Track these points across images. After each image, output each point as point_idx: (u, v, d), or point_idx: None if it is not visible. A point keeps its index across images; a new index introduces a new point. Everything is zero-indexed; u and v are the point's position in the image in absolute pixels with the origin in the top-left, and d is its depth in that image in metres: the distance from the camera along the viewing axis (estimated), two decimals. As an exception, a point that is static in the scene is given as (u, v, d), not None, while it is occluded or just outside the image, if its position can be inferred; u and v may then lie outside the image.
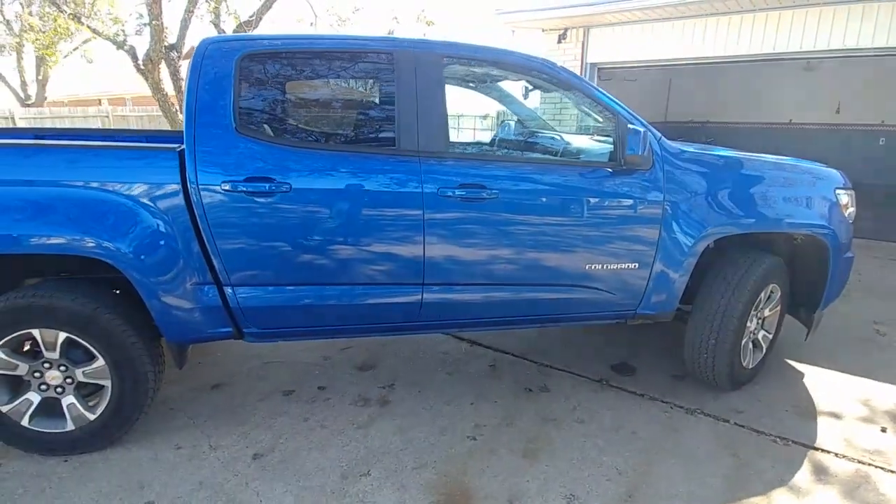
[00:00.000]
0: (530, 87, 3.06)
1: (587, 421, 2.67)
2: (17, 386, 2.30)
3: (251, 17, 8.90)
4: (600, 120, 2.72)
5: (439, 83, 2.40)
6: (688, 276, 2.68)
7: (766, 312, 2.97)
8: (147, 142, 3.02)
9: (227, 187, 2.20)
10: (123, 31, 8.48)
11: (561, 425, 2.63)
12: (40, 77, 17.25)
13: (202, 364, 3.20)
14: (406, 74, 2.36)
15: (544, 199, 2.48)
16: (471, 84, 3.05)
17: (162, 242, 2.20)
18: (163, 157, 2.19)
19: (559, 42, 7.33)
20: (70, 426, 2.33)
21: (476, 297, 2.55)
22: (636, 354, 3.40)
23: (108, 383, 2.31)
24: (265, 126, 2.31)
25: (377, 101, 2.46)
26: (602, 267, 2.61)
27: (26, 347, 2.31)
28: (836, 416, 2.74)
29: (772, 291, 2.92)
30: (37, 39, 10.75)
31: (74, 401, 2.32)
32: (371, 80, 2.47)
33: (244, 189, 2.21)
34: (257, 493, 2.15)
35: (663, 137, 2.68)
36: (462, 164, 2.42)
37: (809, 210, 2.84)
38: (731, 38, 6.71)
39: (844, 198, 2.94)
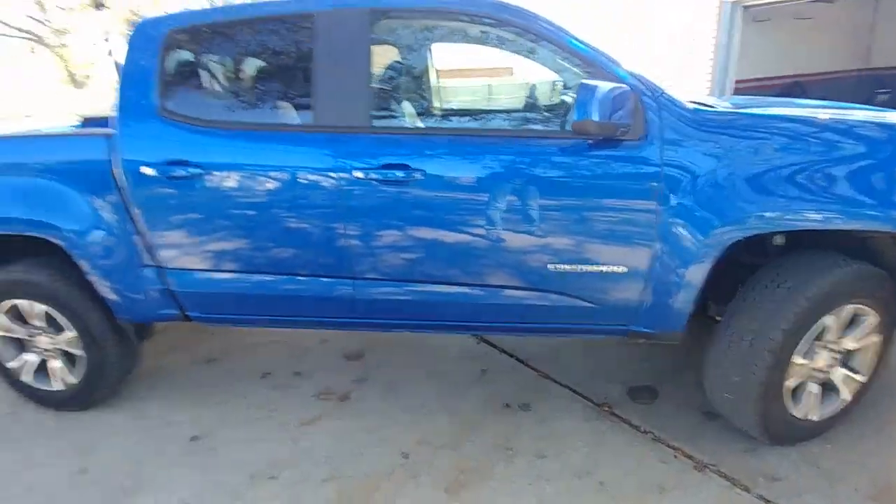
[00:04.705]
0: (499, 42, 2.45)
1: (550, 457, 2.16)
2: (20, 347, 2.63)
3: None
4: (582, 75, 2.08)
5: (363, 46, 2.04)
6: (698, 286, 1.96)
7: (851, 344, 2.06)
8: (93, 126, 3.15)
9: (149, 171, 2.16)
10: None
11: (514, 457, 2.17)
12: None
13: (214, 335, 3.35)
14: (324, 39, 2.05)
15: (487, 182, 1.99)
16: (426, 41, 2.58)
17: (100, 226, 2.27)
18: (93, 142, 2.23)
19: (692, -21, 6.03)
20: (58, 386, 2.60)
21: (414, 296, 2.19)
22: (673, 376, 2.67)
23: (81, 352, 2.51)
24: (184, 106, 2.20)
25: (296, 72, 2.19)
26: (571, 268, 2.04)
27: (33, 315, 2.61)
28: (935, 512, 1.81)
29: (856, 314, 2.01)
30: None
31: (61, 364, 2.57)
32: (291, 49, 2.19)
33: (164, 173, 2.16)
34: (168, 479, 2.15)
35: (667, 94, 1.95)
36: (385, 141, 2.06)
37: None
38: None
39: None
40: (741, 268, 2.09)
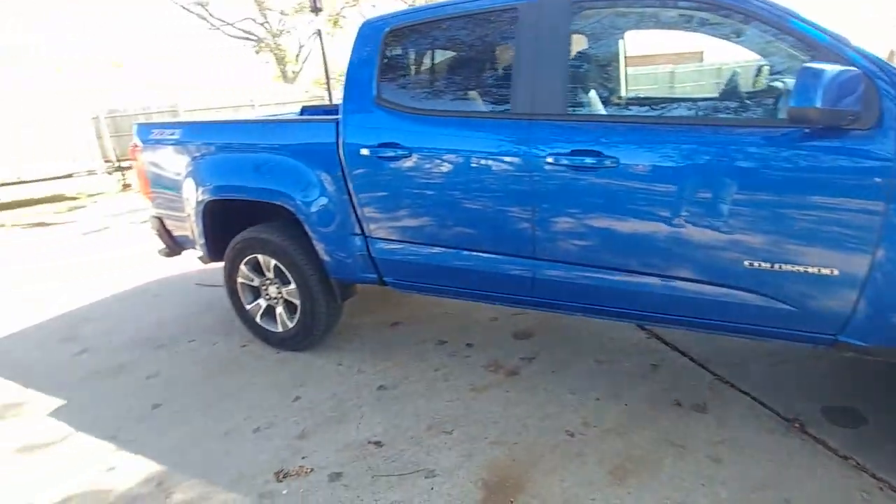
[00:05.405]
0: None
1: (727, 463, 2.06)
2: (255, 293, 3.23)
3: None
4: (802, 58, 1.89)
5: (562, 36, 2.12)
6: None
7: None
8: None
9: (365, 152, 2.52)
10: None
11: (684, 455, 2.11)
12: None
13: (399, 304, 3.74)
14: (526, 31, 2.18)
15: (684, 171, 1.95)
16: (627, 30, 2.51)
17: (324, 197, 2.70)
18: (325, 127, 2.65)
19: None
20: (280, 328, 3.16)
21: (596, 281, 2.23)
22: (885, 400, 2.33)
23: (298, 302, 3.02)
24: (396, 95, 2.50)
25: (499, 63, 2.33)
26: (772, 266, 1.91)
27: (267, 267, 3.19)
28: None
29: None
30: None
31: (282, 311, 3.12)
32: (494, 41, 2.34)
33: (376, 153, 2.49)
34: (361, 416, 2.51)
35: (914, 79, 1.70)
36: (578, 128, 2.12)
37: None
38: None
39: None
40: None
